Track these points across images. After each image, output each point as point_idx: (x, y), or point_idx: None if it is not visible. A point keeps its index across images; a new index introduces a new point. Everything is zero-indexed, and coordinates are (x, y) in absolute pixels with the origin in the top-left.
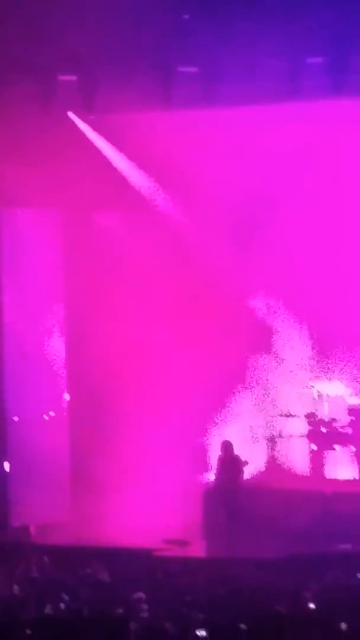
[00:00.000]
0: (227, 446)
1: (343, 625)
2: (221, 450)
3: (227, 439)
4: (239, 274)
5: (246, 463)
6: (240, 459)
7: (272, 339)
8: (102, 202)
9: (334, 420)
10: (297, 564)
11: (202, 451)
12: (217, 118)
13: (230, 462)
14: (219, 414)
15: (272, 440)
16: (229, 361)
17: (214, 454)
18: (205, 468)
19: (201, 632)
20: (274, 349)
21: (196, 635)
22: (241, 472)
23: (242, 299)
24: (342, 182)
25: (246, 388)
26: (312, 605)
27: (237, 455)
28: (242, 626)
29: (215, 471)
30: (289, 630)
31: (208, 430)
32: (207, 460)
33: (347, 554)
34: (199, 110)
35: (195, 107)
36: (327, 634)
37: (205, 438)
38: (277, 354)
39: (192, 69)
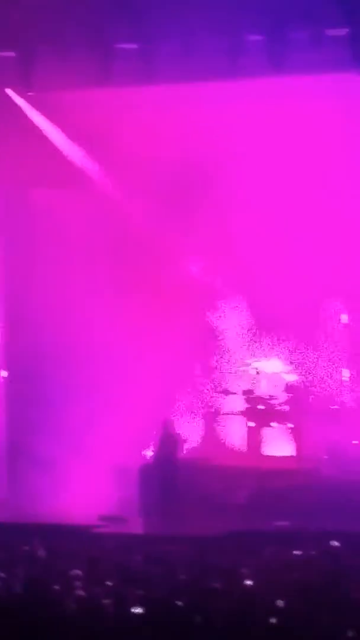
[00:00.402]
0: (166, 423)
1: (279, 603)
2: (160, 427)
3: (166, 416)
4: (176, 249)
5: (184, 440)
6: (179, 436)
7: (211, 316)
8: (40, 179)
9: (271, 397)
10: (234, 541)
11: (142, 428)
12: (156, 95)
13: (169, 439)
14: (158, 391)
15: (210, 418)
16: (168, 337)
17: (153, 431)
18: (144, 445)
19: (137, 609)
20: (212, 326)
21: (133, 612)
22: (179, 449)
23: (181, 275)
24: (280, 156)
25: (185, 365)
26: (248, 582)
27: (175, 433)
28: (179, 603)
29: (153, 448)
30: (225, 607)
31: (148, 407)
32: (146, 437)
33: (283, 531)
34: (138, 87)
35: (134, 84)
36: (263, 611)
37: (145, 415)
38: (215, 332)
39: (131, 46)
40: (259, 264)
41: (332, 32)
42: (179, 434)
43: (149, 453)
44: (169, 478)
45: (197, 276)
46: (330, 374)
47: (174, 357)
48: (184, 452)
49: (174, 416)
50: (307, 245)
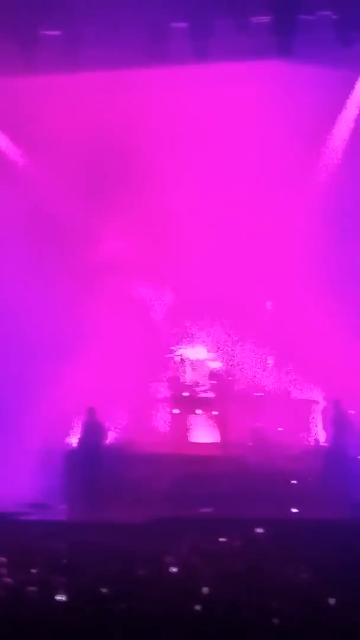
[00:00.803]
0: (90, 411)
1: (204, 590)
2: (85, 415)
3: (91, 405)
4: (98, 230)
5: (109, 428)
6: (102, 424)
7: (135, 303)
8: None
9: (196, 384)
10: (159, 528)
11: (67, 415)
12: (81, 81)
13: (92, 427)
14: (84, 379)
15: (136, 405)
16: (92, 325)
17: (79, 419)
18: (69, 432)
19: (62, 597)
20: (136, 313)
21: (57, 600)
22: (103, 436)
23: (105, 262)
24: (202, 140)
25: (110, 352)
26: (174, 569)
27: (99, 420)
28: (104, 590)
29: (78, 436)
30: (150, 594)
31: (75, 394)
32: (71, 424)
33: (208, 517)
34: (63, 74)
35: (59, 71)
36: (187, 598)
37: (72, 402)
38: (141, 318)
39: (54, 33)
40: (183, 249)
41: (256, 19)
42: (103, 421)
43: (74, 440)
44: (92, 465)
45: (118, 259)
46: (255, 361)
47: (99, 342)
48: (109, 439)
49: (99, 403)
50: (230, 231)
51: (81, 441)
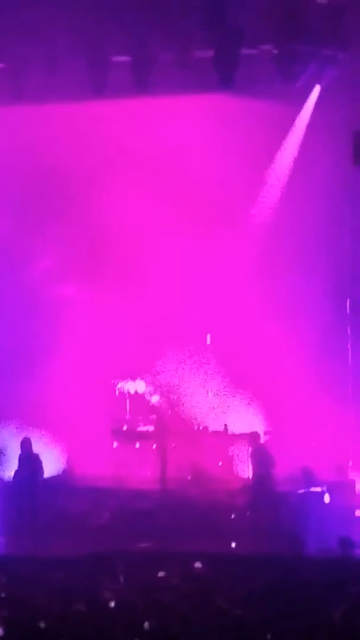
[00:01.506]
0: (25, 443)
1: (146, 625)
2: (20, 448)
3: (26, 437)
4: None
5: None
6: (38, 457)
7: (71, 334)
8: None
9: (135, 418)
10: (96, 562)
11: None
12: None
13: (29, 459)
14: (20, 410)
15: (75, 438)
16: (27, 354)
17: (14, 452)
18: (5, 465)
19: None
20: (75, 345)
21: None
22: (41, 469)
23: (45, 291)
24: (144, 170)
25: (52, 384)
26: (112, 604)
27: (36, 453)
28: (41, 624)
29: (15, 469)
30: (89, 629)
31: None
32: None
33: (146, 551)
34: (7, 105)
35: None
36: (129, 634)
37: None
38: (79, 351)
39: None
40: (124, 279)
41: (198, 53)
42: (38, 454)
43: (10, 473)
44: (28, 498)
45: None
46: (195, 394)
47: (33, 374)
48: (46, 471)
49: (34, 435)
50: (170, 265)
51: (16, 473)
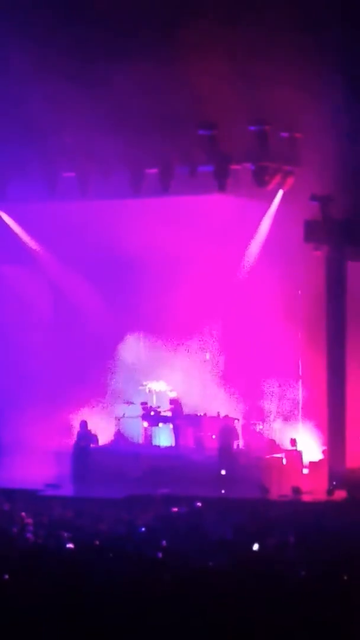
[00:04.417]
0: (83, 423)
1: (163, 542)
2: (79, 426)
3: (83, 419)
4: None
5: (97, 435)
6: (92, 433)
7: (116, 347)
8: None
9: (159, 406)
10: (132, 501)
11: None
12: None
13: (85, 435)
14: (83, 400)
15: (119, 419)
16: (82, 364)
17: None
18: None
19: (69, 545)
20: (116, 355)
21: (66, 547)
22: (94, 442)
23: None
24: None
25: (102, 384)
26: (142, 529)
27: (88, 430)
28: (97, 542)
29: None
30: (127, 547)
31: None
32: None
33: (165, 495)
34: (78, 202)
35: (75, 200)
36: (152, 549)
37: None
38: (120, 359)
39: (72, 174)
40: (151, 295)
41: (202, 168)
42: (91, 431)
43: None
44: (84, 460)
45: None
46: (197, 392)
47: (91, 377)
48: (99, 443)
49: (92, 418)
50: (178, 299)
51: (75, 445)
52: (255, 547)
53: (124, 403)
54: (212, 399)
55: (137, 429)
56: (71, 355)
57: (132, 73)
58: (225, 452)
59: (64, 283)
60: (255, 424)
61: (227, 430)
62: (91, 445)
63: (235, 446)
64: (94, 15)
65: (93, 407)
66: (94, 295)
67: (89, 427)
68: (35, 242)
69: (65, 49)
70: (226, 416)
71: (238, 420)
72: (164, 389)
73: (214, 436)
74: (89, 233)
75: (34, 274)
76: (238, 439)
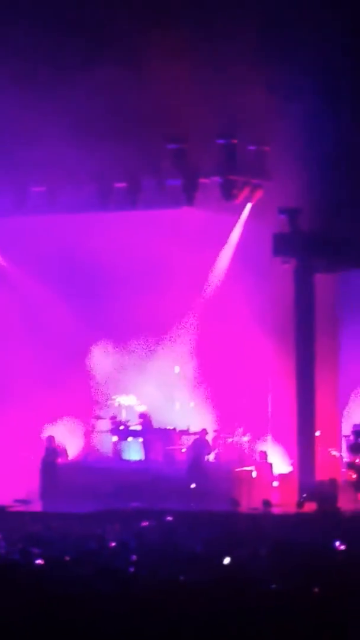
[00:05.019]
0: (50, 438)
1: (133, 557)
2: (45, 441)
3: (50, 434)
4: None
5: (65, 449)
6: (59, 446)
7: (84, 359)
8: None
9: (128, 421)
10: (103, 516)
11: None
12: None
13: (51, 450)
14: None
15: (87, 433)
16: (51, 377)
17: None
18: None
19: (39, 561)
20: (86, 367)
21: (35, 563)
22: (60, 456)
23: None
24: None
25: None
26: (112, 544)
27: (56, 445)
28: (67, 558)
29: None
30: (97, 561)
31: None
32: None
33: (136, 509)
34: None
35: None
36: (122, 563)
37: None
38: (89, 372)
39: (42, 189)
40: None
41: (170, 181)
42: (59, 445)
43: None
44: (52, 475)
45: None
46: (167, 406)
47: (59, 390)
48: (68, 457)
49: (61, 432)
50: (147, 313)
51: (43, 459)
52: (227, 560)
53: (93, 417)
54: (181, 413)
55: (106, 443)
56: (40, 368)
57: (101, 87)
58: (196, 465)
59: (33, 295)
60: (225, 437)
61: (198, 444)
62: (59, 459)
63: (205, 460)
64: (63, 27)
65: (62, 420)
66: (62, 307)
67: (58, 441)
68: (2, 255)
69: (33, 62)
70: (203, 430)
71: (208, 433)
72: (133, 403)
73: (183, 449)
74: (57, 245)
75: (1, 286)
76: (209, 452)
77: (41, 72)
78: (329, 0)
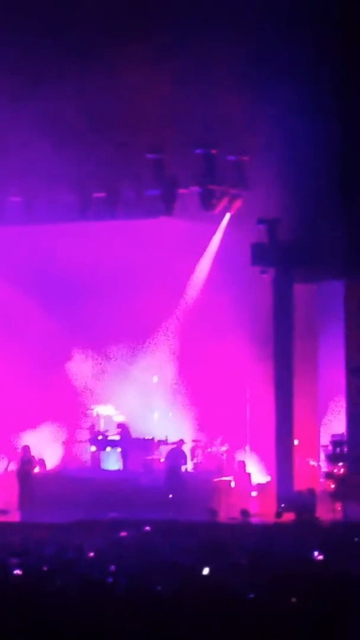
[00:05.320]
0: (24, 448)
1: (112, 567)
2: (21, 451)
3: (26, 444)
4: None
5: (42, 459)
6: (34, 457)
7: (63, 369)
8: None
9: (106, 430)
10: (81, 526)
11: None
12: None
13: (26, 459)
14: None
15: (66, 443)
16: (29, 387)
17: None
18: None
19: (17, 571)
20: (64, 377)
21: (13, 574)
22: (34, 466)
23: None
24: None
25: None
26: (91, 554)
27: (31, 455)
28: (44, 568)
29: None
30: (76, 570)
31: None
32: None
33: (114, 519)
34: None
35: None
36: (101, 573)
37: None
38: (69, 382)
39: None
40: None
41: (149, 192)
42: (35, 455)
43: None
44: (28, 485)
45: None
46: (145, 416)
47: (43, 404)
48: (45, 467)
49: (39, 441)
50: (126, 322)
51: (19, 470)
52: (206, 571)
53: (72, 427)
54: (160, 422)
55: (85, 453)
56: (18, 377)
57: (78, 97)
58: (173, 475)
59: (12, 304)
60: (203, 447)
61: (174, 454)
62: (35, 470)
63: (183, 469)
64: (40, 34)
65: (41, 430)
66: (42, 316)
67: (33, 451)
68: None
69: (9, 70)
70: (180, 440)
71: (186, 443)
72: (112, 413)
73: (162, 459)
74: (36, 253)
75: None
76: (186, 462)
77: (16, 80)
78: (306, 12)
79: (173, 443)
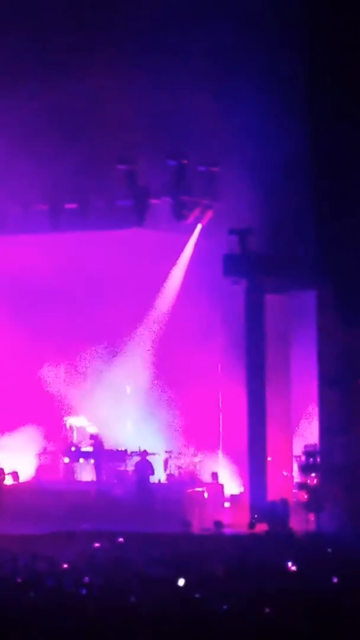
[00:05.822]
0: None
1: (86, 579)
2: None
3: None
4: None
5: (15, 472)
6: (10, 471)
7: (35, 379)
8: None
9: (79, 442)
10: (55, 538)
11: None
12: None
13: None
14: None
15: (39, 454)
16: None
17: None
18: None
19: None
20: (37, 389)
21: None
22: (5, 477)
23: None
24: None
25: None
26: (65, 565)
27: (1, 468)
28: (18, 580)
29: None
30: (49, 583)
31: None
32: None
33: (87, 530)
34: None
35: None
36: (75, 585)
37: None
38: (41, 393)
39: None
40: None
41: (120, 202)
42: (3, 468)
43: None
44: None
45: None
46: (119, 427)
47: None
48: (17, 478)
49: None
50: (98, 332)
51: None
52: (181, 582)
53: (45, 439)
54: (134, 433)
55: (58, 464)
56: None
57: (48, 106)
58: (141, 486)
59: None
60: (176, 458)
61: (141, 465)
62: (5, 481)
63: (151, 480)
64: (11, 41)
65: (13, 441)
66: (12, 327)
67: (7, 463)
68: None
69: None
70: (144, 451)
71: (157, 454)
72: (85, 424)
73: (131, 471)
74: (6, 264)
75: None
76: (153, 472)
77: None
78: (279, 20)
79: (138, 454)
